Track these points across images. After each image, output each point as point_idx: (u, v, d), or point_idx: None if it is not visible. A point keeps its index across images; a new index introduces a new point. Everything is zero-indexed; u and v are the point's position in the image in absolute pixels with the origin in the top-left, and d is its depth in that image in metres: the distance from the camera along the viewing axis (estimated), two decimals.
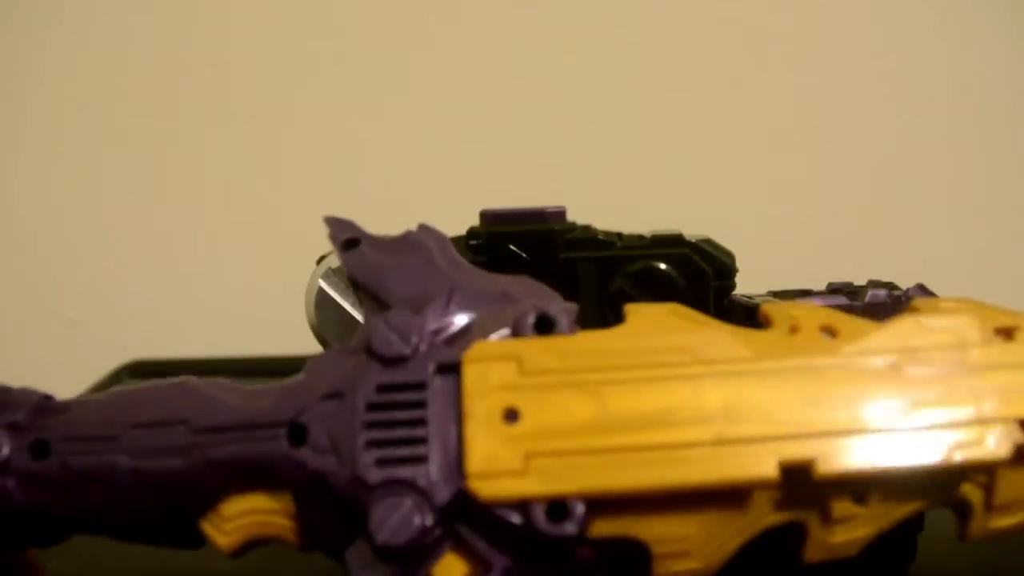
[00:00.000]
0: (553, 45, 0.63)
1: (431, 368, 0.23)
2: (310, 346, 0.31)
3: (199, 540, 0.24)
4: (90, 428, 0.24)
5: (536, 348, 0.23)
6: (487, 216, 0.34)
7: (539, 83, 0.63)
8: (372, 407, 0.23)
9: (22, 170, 0.65)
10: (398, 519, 0.22)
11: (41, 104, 0.64)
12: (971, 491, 0.24)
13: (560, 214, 0.34)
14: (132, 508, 0.24)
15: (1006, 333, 0.24)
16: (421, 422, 0.23)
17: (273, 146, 0.64)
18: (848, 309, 0.32)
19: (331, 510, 0.23)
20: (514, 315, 0.24)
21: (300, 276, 0.34)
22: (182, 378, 0.25)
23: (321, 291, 0.30)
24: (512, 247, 0.33)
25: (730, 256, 0.34)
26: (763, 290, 0.35)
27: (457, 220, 0.34)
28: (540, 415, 0.23)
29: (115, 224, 0.64)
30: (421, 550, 0.22)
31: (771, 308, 0.25)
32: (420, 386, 0.23)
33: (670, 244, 0.33)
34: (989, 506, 0.24)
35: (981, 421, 0.23)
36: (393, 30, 0.63)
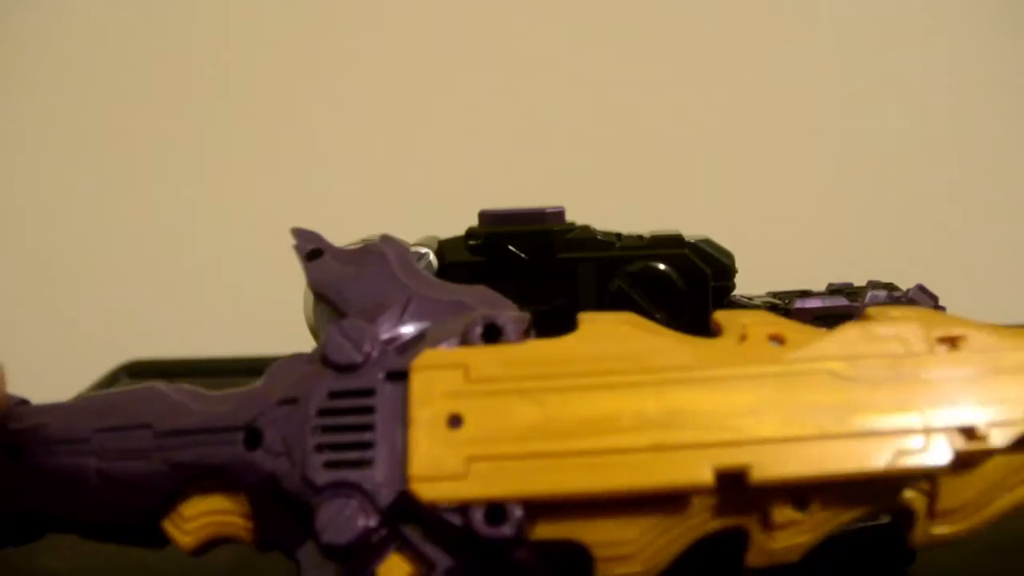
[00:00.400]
0: (552, 45, 0.64)
1: (381, 375, 0.24)
2: (308, 346, 0.32)
3: (163, 540, 0.26)
4: (61, 431, 0.25)
5: (482, 356, 0.24)
6: (486, 216, 0.34)
7: (538, 84, 0.64)
8: (323, 412, 0.24)
9: (22, 170, 0.66)
10: (343, 520, 0.23)
11: (41, 104, 0.65)
12: (915, 498, 0.24)
13: (559, 214, 0.34)
14: (99, 508, 0.25)
15: (951, 342, 0.24)
16: (369, 427, 0.24)
17: (272, 147, 0.65)
18: (847, 310, 0.32)
19: (284, 511, 0.24)
20: (464, 324, 0.25)
21: (298, 276, 0.35)
22: (149, 384, 0.26)
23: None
24: (511, 247, 0.33)
25: (729, 257, 0.34)
26: (762, 291, 0.35)
27: (456, 220, 0.34)
28: (483, 421, 0.23)
29: (114, 224, 0.66)
30: (366, 550, 0.23)
31: (722, 316, 0.26)
32: (369, 392, 0.24)
33: (669, 244, 0.34)
34: (932, 513, 0.24)
35: (922, 429, 0.23)
36: (392, 31, 0.64)
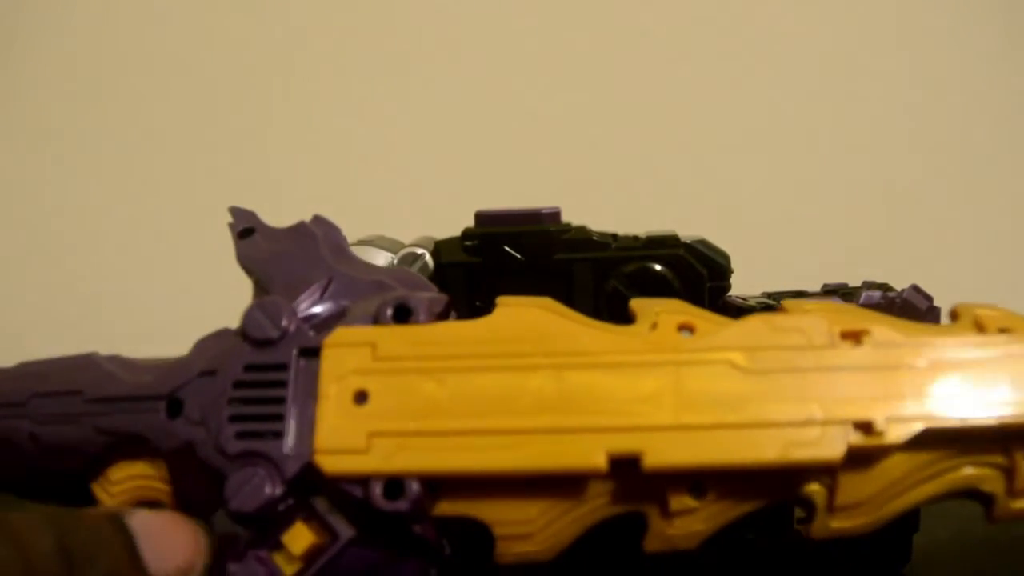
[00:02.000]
0: (549, 46, 0.64)
1: (295, 351, 0.25)
2: None
3: (92, 501, 0.27)
4: (2, 395, 0.27)
5: (391, 335, 0.25)
6: (482, 217, 0.34)
7: (534, 84, 0.64)
8: (238, 384, 0.25)
9: (21, 170, 0.67)
10: (250, 488, 0.24)
11: (40, 104, 0.66)
12: (816, 492, 0.24)
13: (555, 215, 0.34)
14: (34, 469, 0.26)
15: (854, 337, 0.24)
16: (280, 400, 0.25)
17: (269, 147, 0.65)
18: None
19: (201, 478, 0.25)
20: (377, 303, 0.25)
21: None
22: (86, 353, 0.27)
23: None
24: (507, 248, 0.34)
25: (725, 257, 0.34)
26: (758, 291, 0.35)
27: (452, 221, 0.35)
28: (387, 398, 0.24)
29: (114, 224, 0.66)
30: (272, 518, 0.24)
31: (637, 304, 0.26)
32: (283, 367, 0.25)
33: (665, 245, 0.33)
34: (831, 507, 0.24)
35: (818, 421, 0.23)
36: (390, 32, 0.65)
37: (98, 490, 0.26)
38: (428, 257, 0.33)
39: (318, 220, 0.28)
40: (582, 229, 0.34)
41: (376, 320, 0.25)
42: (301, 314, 0.26)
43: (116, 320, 0.66)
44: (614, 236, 0.34)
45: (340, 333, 0.25)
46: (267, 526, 0.24)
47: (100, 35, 0.66)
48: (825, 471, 0.24)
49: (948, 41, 0.61)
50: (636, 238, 0.34)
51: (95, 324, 0.66)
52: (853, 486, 0.24)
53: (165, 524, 0.22)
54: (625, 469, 0.23)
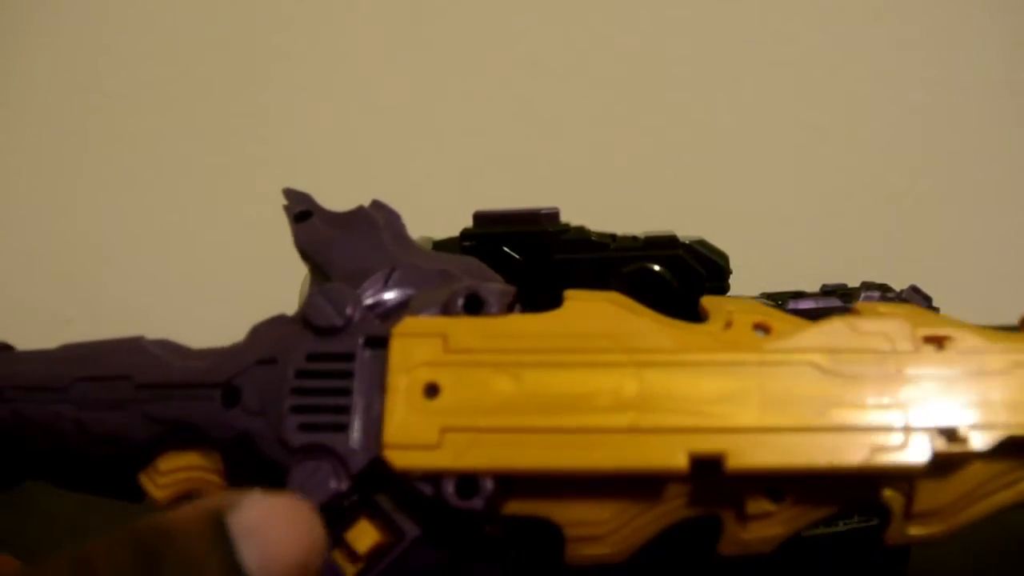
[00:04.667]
0: (547, 46, 0.63)
1: (361, 340, 0.24)
2: None
3: (138, 493, 0.26)
4: (41, 379, 0.25)
5: (462, 326, 0.24)
6: (480, 218, 0.34)
7: (533, 84, 0.63)
8: (301, 374, 0.24)
9: (21, 170, 0.66)
10: (314, 482, 0.23)
11: (40, 104, 0.65)
12: (893, 497, 0.24)
13: (554, 215, 0.34)
14: (76, 458, 0.25)
15: (937, 342, 0.24)
16: (346, 391, 0.24)
17: (269, 147, 0.64)
18: (841, 311, 0.32)
19: (258, 471, 0.24)
20: (447, 293, 0.25)
21: (296, 276, 0.34)
22: (132, 336, 0.26)
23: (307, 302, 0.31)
24: (506, 248, 0.33)
25: (724, 257, 0.34)
26: (756, 292, 0.35)
27: (451, 221, 0.34)
28: (459, 392, 0.23)
29: (114, 224, 0.65)
30: (336, 514, 0.23)
31: (710, 302, 0.26)
32: (348, 357, 0.24)
33: (664, 246, 0.33)
34: (908, 514, 0.24)
35: (902, 427, 0.23)
36: (388, 31, 0.64)
37: (146, 481, 0.25)
38: None
39: (378, 205, 0.27)
40: (581, 229, 0.34)
41: (446, 310, 0.24)
42: (365, 302, 0.25)
43: (114, 320, 0.64)
44: (613, 236, 0.34)
45: (409, 323, 0.24)
46: (330, 523, 0.23)
47: (95, 33, 0.65)
48: (904, 477, 0.23)
49: (948, 40, 0.61)
50: (635, 238, 0.34)
51: (94, 324, 0.63)
52: (931, 493, 0.23)
53: (275, 519, 0.19)
54: (702, 471, 0.23)
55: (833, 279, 0.34)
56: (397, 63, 0.64)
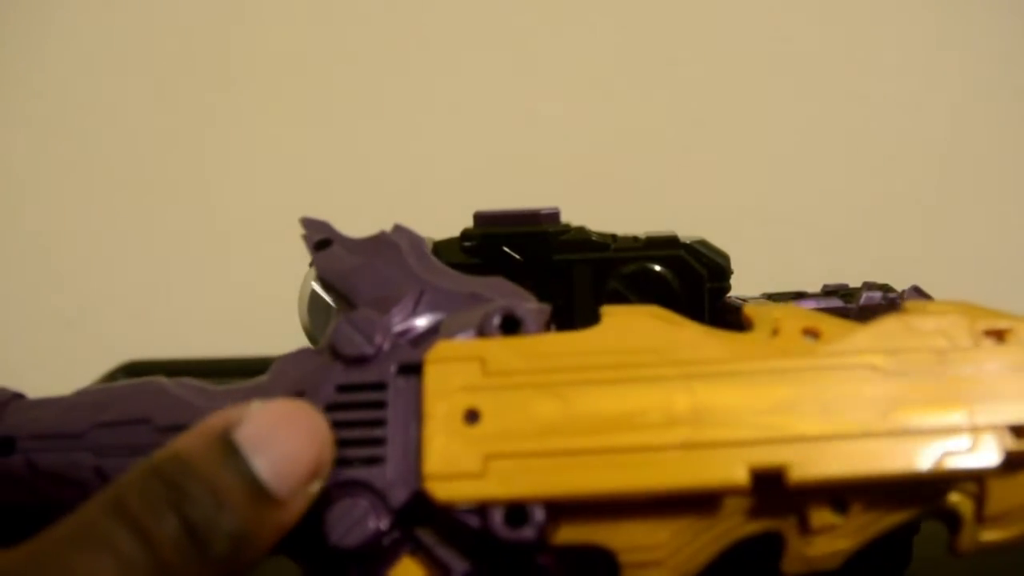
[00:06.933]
0: (547, 46, 0.63)
1: (393, 368, 0.23)
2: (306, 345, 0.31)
3: None
4: (56, 426, 0.24)
5: (500, 348, 0.23)
6: (481, 218, 0.33)
7: (533, 84, 0.63)
8: (331, 407, 0.23)
9: (21, 170, 0.65)
10: (352, 520, 0.22)
11: (40, 104, 0.65)
12: (961, 501, 0.22)
13: (554, 215, 0.34)
14: None
15: (997, 335, 0.23)
16: (380, 423, 0.22)
17: (269, 147, 0.64)
18: (843, 311, 0.31)
19: None
20: (481, 315, 0.23)
21: (297, 276, 0.34)
22: (149, 378, 0.25)
23: (314, 294, 0.30)
24: (506, 249, 0.33)
25: (725, 258, 0.33)
26: (758, 292, 0.35)
27: (451, 222, 0.34)
28: (502, 416, 0.22)
29: (113, 224, 0.65)
30: (376, 553, 0.22)
31: (753, 310, 0.24)
32: (380, 386, 0.23)
33: (664, 246, 0.33)
34: (980, 518, 0.22)
35: (970, 427, 0.22)
36: (388, 32, 0.63)
37: None
38: None
39: (400, 230, 0.26)
40: (581, 230, 0.33)
41: (481, 332, 0.23)
42: (394, 329, 0.24)
43: (114, 320, 0.64)
44: (613, 237, 0.34)
45: (443, 347, 0.23)
46: (370, 562, 0.22)
47: (97, 33, 0.65)
48: (974, 478, 0.22)
49: (949, 40, 0.61)
50: (635, 239, 0.33)
51: (94, 324, 0.64)
52: (1003, 494, 0.22)
53: (280, 426, 0.19)
54: (763, 485, 0.22)
55: (834, 279, 0.34)
56: (397, 63, 0.64)
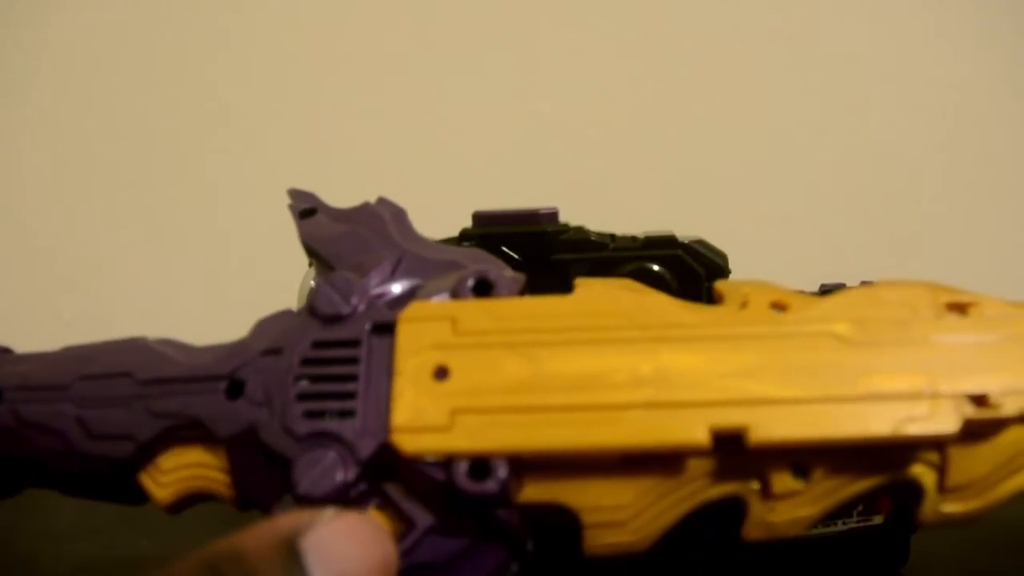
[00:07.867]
0: (547, 46, 0.64)
1: (367, 327, 0.24)
2: None
3: (140, 496, 0.25)
4: (42, 378, 0.25)
5: (472, 309, 0.23)
6: (479, 217, 0.34)
7: (532, 84, 0.64)
8: (306, 362, 0.23)
9: (21, 170, 0.66)
10: (320, 471, 0.22)
11: (40, 104, 0.66)
12: (923, 472, 0.23)
13: (553, 215, 0.34)
14: (77, 458, 0.24)
15: (960, 308, 0.23)
16: (352, 378, 0.23)
17: (268, 147, 0.65)
18: None
19: (263, 465, 0.23)
20: (455, 279, 0.24)
21: (297, 276, 0.34)
22: (133, 336, 0.26)
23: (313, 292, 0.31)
24: (505, 248, 0.33)
25: (723, 257, 0.34)
26: None
27: (450, 221, 0.34)
28: (470, 373, 0.23)
29: (113, 224, 0.65)
30: (343, 504, 0.22)
31: (724, 285, 0.25)
32: (355, 343, 0.23)
33: (663, 245, 0.33)
34: (943, 488, 0.22)
35: (930, 394, 0.22)
36: (388, 32, 0.64)
37: (147, 480, 0.24)
38: None
39: (383, 201, 0.27)
40: (580, 229, 0.34)
41: (455, 295, 0.24)
42: (372, 291, 0.24)
43: (115, 320, 0.64)
44: (612, 236, 0.34)
45: (417, 307, 0.23)
46: None
47: (94, 32, 0.66)
48: (935, 447, 0.22)
49: (949, 40, 0.62)
50: (634, 238, 0.34)
51: (94, 324, 0.64)
52: (965, 465, 0.22)
53: (348, 540, 0.18)
54: (725, 447, 0.22)
55: (833, 279, 0.34)
56: (397, 63, 0.64)
